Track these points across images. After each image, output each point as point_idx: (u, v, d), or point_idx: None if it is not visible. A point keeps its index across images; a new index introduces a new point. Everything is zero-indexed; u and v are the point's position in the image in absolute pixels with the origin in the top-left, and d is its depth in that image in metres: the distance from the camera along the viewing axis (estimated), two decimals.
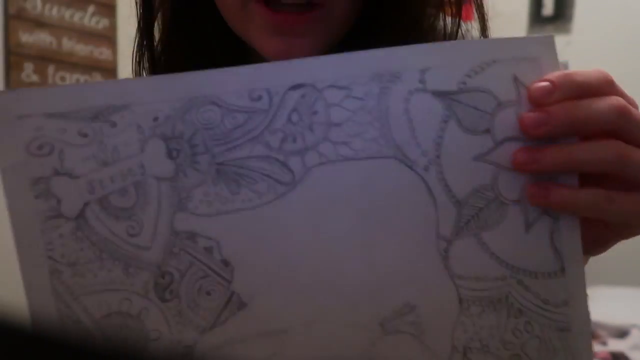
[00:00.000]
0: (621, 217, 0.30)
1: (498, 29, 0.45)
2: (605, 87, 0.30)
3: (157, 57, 0.48)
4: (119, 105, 0.29)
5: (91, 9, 1.99)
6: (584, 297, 0.32)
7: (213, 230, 0.30)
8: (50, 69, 1.88)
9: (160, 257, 0.30)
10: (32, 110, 0.29)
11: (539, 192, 0.30)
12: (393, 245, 0.31)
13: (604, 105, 0.29)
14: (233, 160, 0.30)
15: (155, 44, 0.47)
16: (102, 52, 2.02)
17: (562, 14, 2.27)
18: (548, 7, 2.29)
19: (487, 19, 0.44)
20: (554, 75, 0.30)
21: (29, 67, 1.83)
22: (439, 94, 0.30)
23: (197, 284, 0.30)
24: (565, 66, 2.37)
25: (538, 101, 0.30)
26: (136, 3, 0.47)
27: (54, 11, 1.89)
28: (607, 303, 2.05)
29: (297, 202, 0.30)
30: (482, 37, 0.44)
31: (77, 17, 1.95)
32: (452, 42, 0.31)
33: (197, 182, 0.30)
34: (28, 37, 1.82)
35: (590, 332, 0.32)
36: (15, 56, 1.79)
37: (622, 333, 1.85)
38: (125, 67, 2.10)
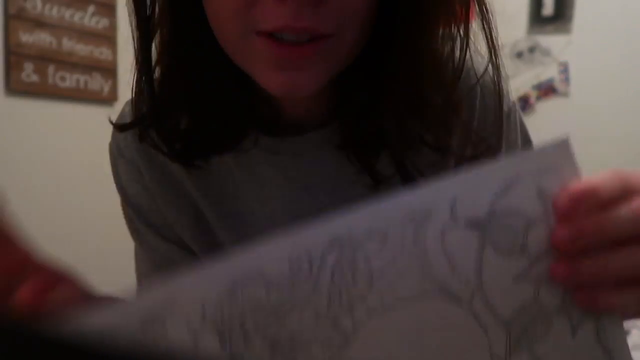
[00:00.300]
0: None
1: (498, 28, 0.45)
2: (626, 192, 0.31)
3: (156, 91, 0.46)
4: (164, 307, 0.30)
5: (91, 9, 1.99)
6: None
7: None
8: (50, 69, 1.88)
9: None
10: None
11: (586, 298, 0.32)
12: None
13: (629, 213, 0.30)
14: (285, 333, 0.30)
15: (153, 77, 0.46)
16: (102, 52, 2.02)
17: (562, 14, 2.27)
18: (548, 7, 2.30)
19: (491, 19, 0.44)
20: (577, 189, 0.31)
21: (29, 67, 1.83)
22: (471, 224, 0.31)
23: None
24: (565, 67, 2.37)
25: (565, 218, 0.31)
26: (133, 38, 0.45)
27: (54, 11, 1.89)
28: None
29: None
30: (488, 41, 0.44)
31: (77, 17, 1.95)
32: (475, 171, 0.32)
33: None
34: (28, 37, 1.82)
35: None
36: (15, 56, 1.79)
37: None
38: (125, 67, 2.10)
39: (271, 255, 0.30)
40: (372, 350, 0.31)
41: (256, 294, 0.30)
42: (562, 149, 0.32)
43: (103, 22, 2.02)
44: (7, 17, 1.78)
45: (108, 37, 2.03)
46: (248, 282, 0.30)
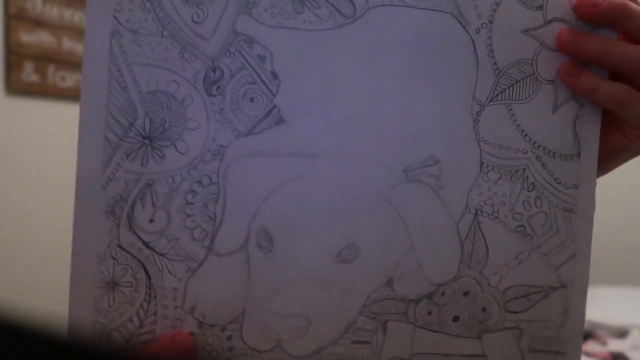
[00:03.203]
0: (638, 117, 0.33)
1: None
2: None
3: None
4: None
5: None
6: (592, 185, 0.34)
7: (270, 41, 0.32)
8: (50, 69, 1.88)
9: (217, 51, 0.31)
10: None
11: (571, 70, 0.33)
12: (432, 96, 0.33)
13: None
14: None
15: None
16: None
17: None
18: None
19: None
20: None
21: (29, 67, 1.82)
22: None
23: (243, 88, 0.31)
24: None
25: None
26: None
27: (54, 11, 1.89)
28: (607, 303, 2.05)
29: (353, 35, 0.32)
30: None
31: (77, 17, 1.95)
32: None
33: None
34: (28, 37, 1.82)
35: (592, 218, 0.34)
36: (15, 56, 1.79)
37: (622, 333, 1.85)
38: None
39: None
40: (372, 35, 0.32)
41: None
42: None
43: None
44: (7, 17, 1.77)
45: None
46: None
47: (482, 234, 0.33)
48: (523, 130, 0.33)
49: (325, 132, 0.32)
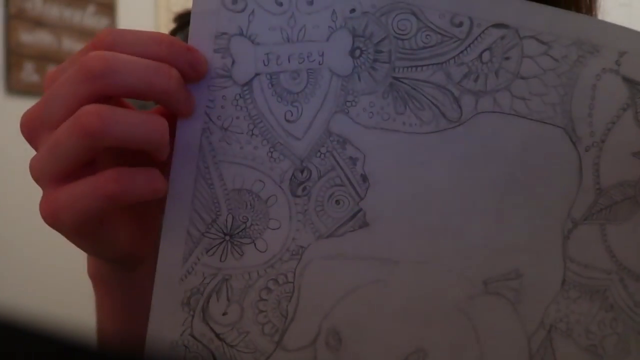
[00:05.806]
0: None
1: None
2: None
3: None
4: None
5: (91, 8, 1.99)
6: None
7: (364, 142, 0.30)
8: (50, 69, 1.88)
9: (307, 151, 0.30)
10: None
11: None
12: (527, 210, 0.31)
13: None
14: (410, 80, 0.30)
15: None
16: None
17: None
18: None
19: None
20: None
21: (29, 67, 1.82)
22: (629, 81, 0.31)
23: (330, 190, 0.30)
24: None
25: None
26: None
27: (54, 11, 1.89)
28: None
29: (454, 140, 0.30)
30: None
31: (77, 17, 1.95)
32: None
33: (368, 89, 0.29)
34: (28, 37, 1.82)
35: None
36: (15, 56, 1.79)
37: None
38: None
39: (438, 1, 0.29)
40: (475, 143, 0.30)
41: (406, 26, 0.29)
42: None
43: (103, 22, 2.02)
44: (7, 17, 1.77)
45: None
46: (404, 12, 0.29)
47: (553, 350, 0.32)
48: (612, 251, 0.32)
49: (409, 239, 0.30)
